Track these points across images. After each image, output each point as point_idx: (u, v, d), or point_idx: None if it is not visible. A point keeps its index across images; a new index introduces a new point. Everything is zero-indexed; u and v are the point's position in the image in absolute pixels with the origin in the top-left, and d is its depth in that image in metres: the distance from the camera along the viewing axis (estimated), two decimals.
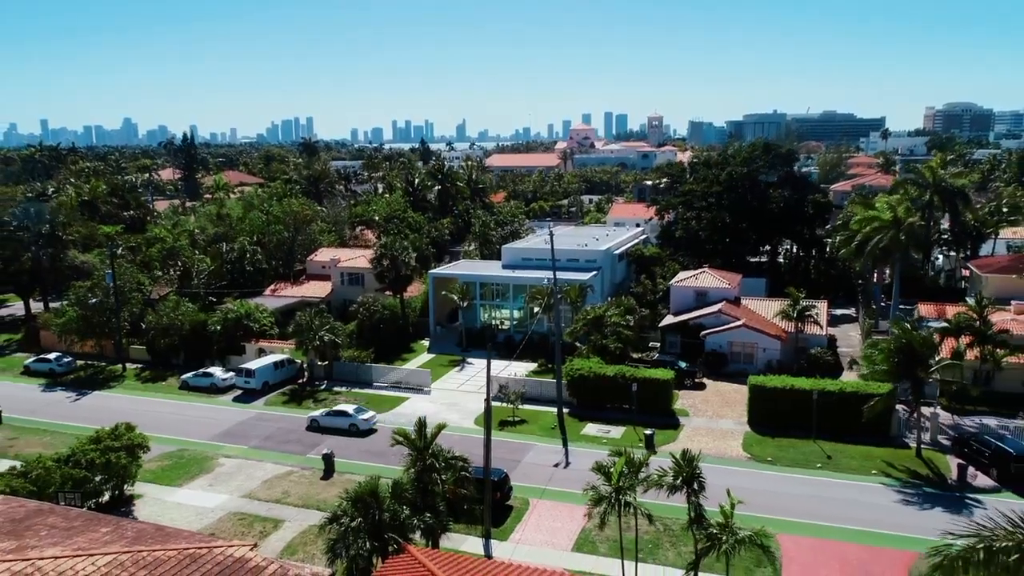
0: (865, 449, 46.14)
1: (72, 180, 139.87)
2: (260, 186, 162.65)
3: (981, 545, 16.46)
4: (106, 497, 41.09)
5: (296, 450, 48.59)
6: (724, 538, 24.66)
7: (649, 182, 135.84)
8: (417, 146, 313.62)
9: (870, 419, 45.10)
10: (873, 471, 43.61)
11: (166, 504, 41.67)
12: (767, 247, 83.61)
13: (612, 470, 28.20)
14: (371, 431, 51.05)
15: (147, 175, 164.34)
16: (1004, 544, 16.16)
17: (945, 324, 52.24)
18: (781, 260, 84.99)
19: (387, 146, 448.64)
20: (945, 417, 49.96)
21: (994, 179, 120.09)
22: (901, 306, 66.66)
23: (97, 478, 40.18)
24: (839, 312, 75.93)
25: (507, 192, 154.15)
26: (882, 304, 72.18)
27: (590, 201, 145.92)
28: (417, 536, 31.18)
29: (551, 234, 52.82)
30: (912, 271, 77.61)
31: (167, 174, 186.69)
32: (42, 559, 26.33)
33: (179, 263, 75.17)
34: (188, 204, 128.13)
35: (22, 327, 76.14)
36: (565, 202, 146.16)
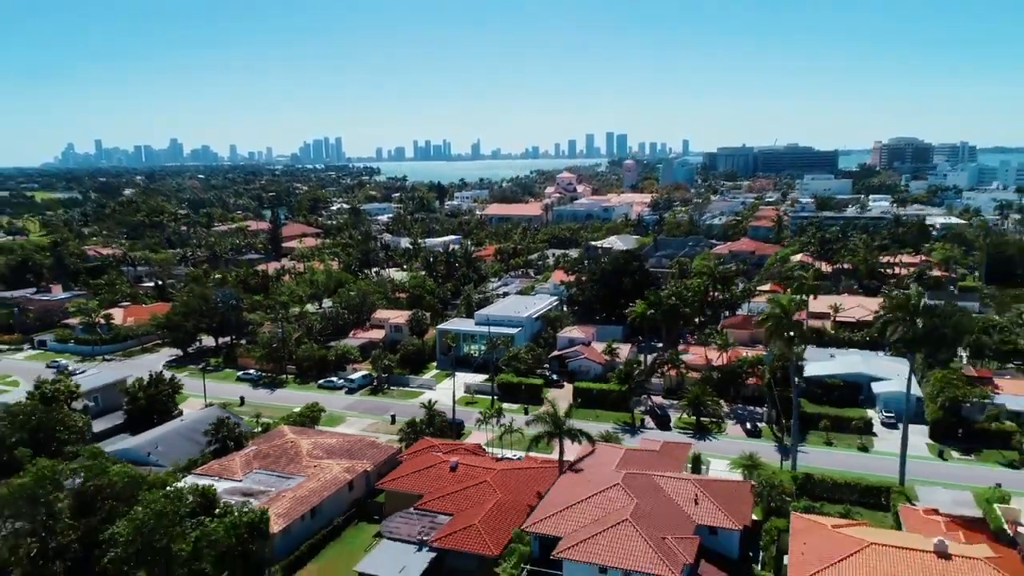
0: (615, 414, 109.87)
1: (193, 241, 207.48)
2: (319, 237, 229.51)
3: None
4: None
5: (377, 414, 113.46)
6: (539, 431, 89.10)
7: (595, 243, 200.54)
8: (435, 182, 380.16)
9: (617, 400, 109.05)
10: (613, 422, 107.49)
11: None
12: (628, 307, 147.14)
13: (485, 412, 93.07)
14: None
15: (243, 235, 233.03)
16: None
17: (666, 357, 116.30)
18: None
19: (408, 178, 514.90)
20: (661, 400, 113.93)
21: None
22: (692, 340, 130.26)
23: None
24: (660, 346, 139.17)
25: (496, 246, 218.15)
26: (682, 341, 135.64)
27: (553, 256, 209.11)
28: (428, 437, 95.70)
29: (487, 318, 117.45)
30: (714, 320, 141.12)
31: (253, 223, 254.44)
32: (310, 438, 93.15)
33: (305, 321, 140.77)
34: (284, 266, 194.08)
35: (221, 355, 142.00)
36: (535, 256, 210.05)
